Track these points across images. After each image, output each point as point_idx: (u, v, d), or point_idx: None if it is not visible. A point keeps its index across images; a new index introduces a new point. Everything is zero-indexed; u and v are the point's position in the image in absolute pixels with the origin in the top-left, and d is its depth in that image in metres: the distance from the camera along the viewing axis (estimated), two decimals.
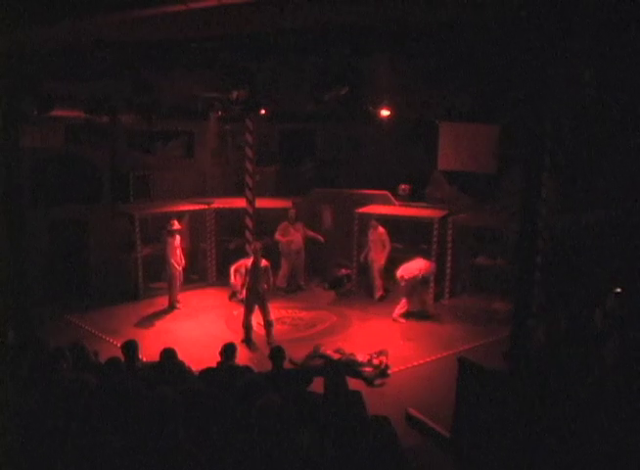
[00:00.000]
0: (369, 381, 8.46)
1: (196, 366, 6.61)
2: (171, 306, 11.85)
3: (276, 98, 9.33)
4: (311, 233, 12.86)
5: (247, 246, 12.36)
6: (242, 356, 7.90)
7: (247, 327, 9.98)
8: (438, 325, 10.92)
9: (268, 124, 13.50)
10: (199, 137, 14.39)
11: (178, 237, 11.75)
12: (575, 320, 7.96)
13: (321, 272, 13.47)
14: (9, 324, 8.50)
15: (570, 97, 7.71)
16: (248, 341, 9.87)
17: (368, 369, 8.69)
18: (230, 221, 13.61)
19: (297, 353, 8.93)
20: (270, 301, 10.35)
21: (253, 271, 9.92)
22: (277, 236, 12.63)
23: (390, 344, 9.71)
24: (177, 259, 11.66)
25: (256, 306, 10.00)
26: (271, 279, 10.20)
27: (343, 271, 12.81)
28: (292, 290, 12.82)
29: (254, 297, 9.94)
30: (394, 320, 11.00)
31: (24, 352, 6.63)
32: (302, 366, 8.81)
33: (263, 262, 10.02)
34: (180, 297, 12.01)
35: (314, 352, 9.21)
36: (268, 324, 10.02)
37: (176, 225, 11.64)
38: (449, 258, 11.69)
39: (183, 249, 11.93)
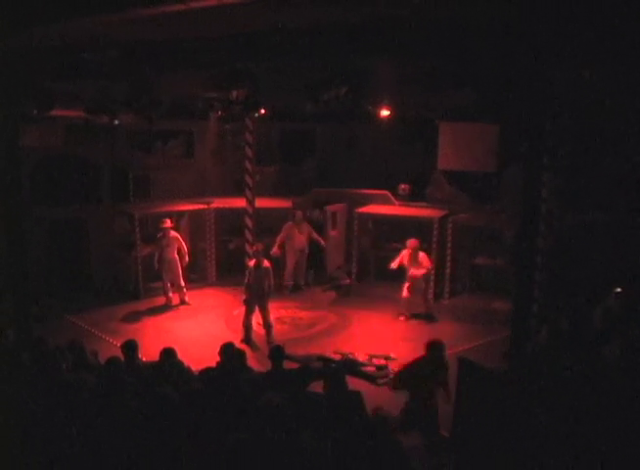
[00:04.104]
0: (372, 379, 8.46)
1: (196, 366, 6.61)
2: (168, 303, 11.92)
3: (276, 98, 9.31)
4: (316, 236, 12.81)
5: (247, 246, 12.36)
6: None
7: (246, 327, 9.99)
8: (438, 325, 10.92)
9: (268, 124, 13.48)
10: (198, 137, 14.37)
11: (172, 234, 11.78)
12: (576, 320, 7.95)
13: (322, 271, 13.44)
14: (9, 324, 8.50)
15: (570, 97, 7.70)
16: (247, 341, 9.88)
17: (370, 369, 8.71)
18: (230, 221, 13.60)
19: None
20: (270, 301, 10.35)
21: (255, 272, 9.95)
22: (278, 241, 12.48)
23: (390, 344, 9.72)
24: (169, 255, 11.68)
25: (257, 307, 10.02)
26: (272, 280, 10.20)
27: (348, 281, 12.74)
28: (293, 289, 12.81)
29: (256, 297, 9.95)
30: (404, 320, 11.05)
31: (25, 352, 6.64)
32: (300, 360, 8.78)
33: (265, 263, 10.04)
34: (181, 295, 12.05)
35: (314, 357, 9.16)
36: (268, 325, 10.03)
37: (167, 224, 11.73)
38: (449, 257, 11.69)
39: (179, 247, 11.92)
